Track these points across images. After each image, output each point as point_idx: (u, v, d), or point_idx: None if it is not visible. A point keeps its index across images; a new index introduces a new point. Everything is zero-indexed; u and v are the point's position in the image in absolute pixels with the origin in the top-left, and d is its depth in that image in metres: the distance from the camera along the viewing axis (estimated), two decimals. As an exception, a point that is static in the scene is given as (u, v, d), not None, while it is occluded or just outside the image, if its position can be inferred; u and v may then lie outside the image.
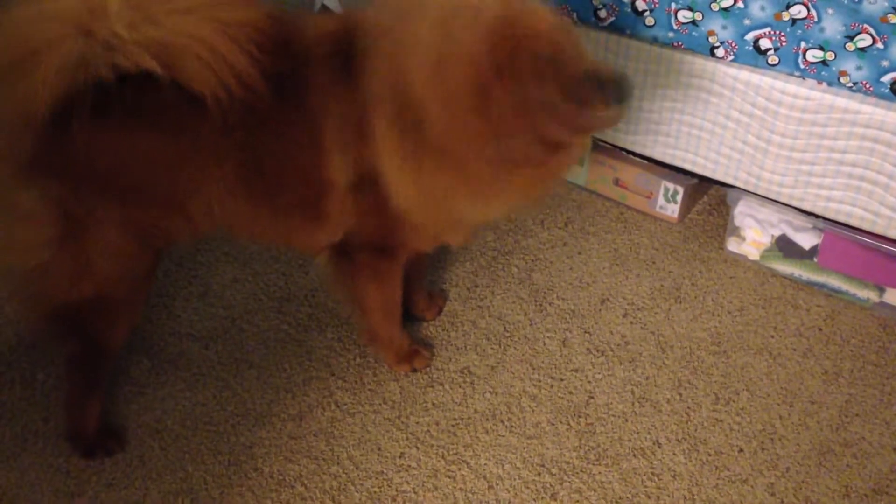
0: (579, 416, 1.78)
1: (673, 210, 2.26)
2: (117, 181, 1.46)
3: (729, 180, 2.04)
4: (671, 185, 2.24)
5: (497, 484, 1.65)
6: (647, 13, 1.93)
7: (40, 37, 1.32)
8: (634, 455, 1.71)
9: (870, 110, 1.77)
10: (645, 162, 2.26)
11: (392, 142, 1.45)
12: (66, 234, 1.45)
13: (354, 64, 1.46)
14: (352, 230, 1.61)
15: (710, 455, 1.71)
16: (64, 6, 1.34)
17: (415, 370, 1.85)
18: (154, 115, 1.43)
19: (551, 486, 1.65)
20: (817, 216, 1.99)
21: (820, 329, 1.98)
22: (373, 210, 1.55)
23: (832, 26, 1.75)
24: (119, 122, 1.41)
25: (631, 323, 1.99)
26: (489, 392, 1.83)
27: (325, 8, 2.48)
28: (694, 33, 1.90)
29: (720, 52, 1.89)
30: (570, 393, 1.83)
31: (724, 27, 1.86)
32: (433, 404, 1.80)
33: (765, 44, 1.84)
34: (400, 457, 1.70)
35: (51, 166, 1.42)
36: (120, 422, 1.74)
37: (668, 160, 2.12)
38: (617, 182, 2.31)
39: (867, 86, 1.76)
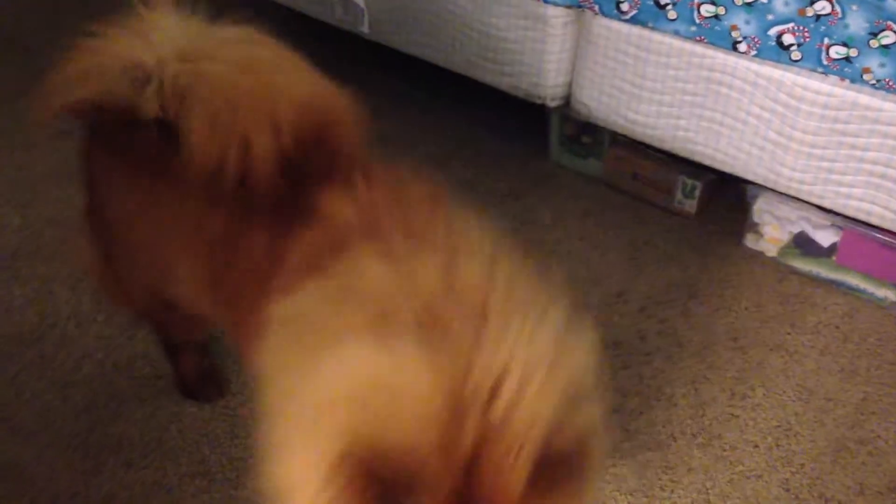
0: (594, 408, 1.78)
1: (691, 205, 2.26)
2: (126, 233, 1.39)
3: (748, 176, 2.03)
4: (689, 181, 2.23)
5: (511, 473, 1.66)
6: (669, 7, 1.93)
7: (83, 71, 1.23)
8: (649, 448, 1.71)
9: (892, 108, 1.76)
10: (663, 156, 2.25)
11: None
12: (101, 262, 1.50)
13: None
14: None
15: (724, 450, 1.71)
16: (117, 49, 1.23)
17: None
18: (150, 166, 1.26)
19: (565, 476, 1.65)
20: (837, 214, 1.98)
21: (837, 327, 1.98)
22: None
23: (856, 23, 1.74)
24: (128, 167, 1.31)
25: (647, 317, 1.99)
26: (504, 382, 1.83)
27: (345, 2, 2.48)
28: (716, 27, 1.90)
29: (742, 46, 1.89)
30: (586, 385, 1.83)
31: (748, 22, 1.85)
32: (448, 393, 1.80)
33: (788, 39, 1.83)
34: (415, 444, 1.70)
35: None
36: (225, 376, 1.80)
37: (686, 155, 2.12)
38: (635, 176, 2.31)
39: (890, 83, 1.75)
